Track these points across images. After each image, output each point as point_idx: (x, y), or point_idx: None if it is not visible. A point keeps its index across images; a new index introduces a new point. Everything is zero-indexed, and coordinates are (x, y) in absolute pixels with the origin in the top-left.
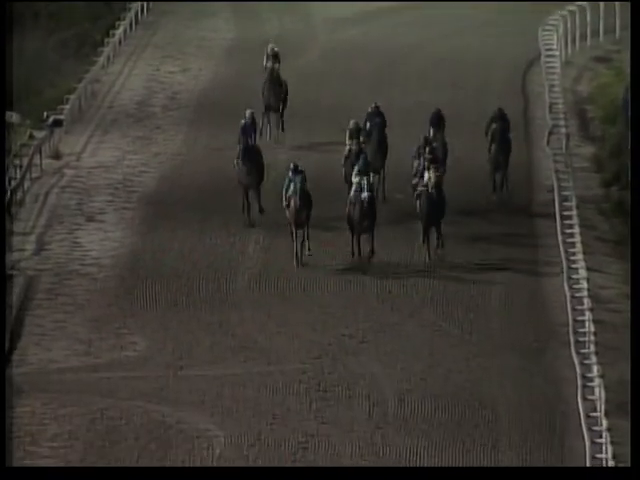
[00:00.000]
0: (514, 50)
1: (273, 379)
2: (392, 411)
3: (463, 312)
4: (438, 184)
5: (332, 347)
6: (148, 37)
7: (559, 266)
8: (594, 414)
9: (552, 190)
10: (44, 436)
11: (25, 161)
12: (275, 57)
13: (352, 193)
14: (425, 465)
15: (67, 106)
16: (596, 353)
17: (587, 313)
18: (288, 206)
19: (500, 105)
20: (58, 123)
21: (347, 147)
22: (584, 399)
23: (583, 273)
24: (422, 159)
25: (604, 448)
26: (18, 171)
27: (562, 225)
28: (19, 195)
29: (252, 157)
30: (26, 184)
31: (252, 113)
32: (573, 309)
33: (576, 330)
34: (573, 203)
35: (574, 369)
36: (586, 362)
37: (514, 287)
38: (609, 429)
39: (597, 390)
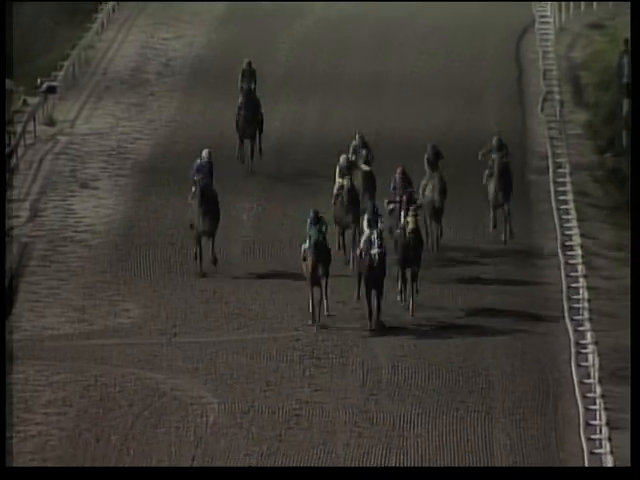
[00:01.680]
0: (508, 17)
1: (267, 346)
2: (386, 378)
3: (457, 280)
4: (415, 229)
5: (326, 314)
6: (142, 4)
7: (553, 233)
8: (588, 381)
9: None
10: (38, 402)
11: (19, 128)
12: (252, 75)
13: (362, 245)
14: (419, 432)
15: (61, 73)
16: (590, 320)
17: (581, 280)
18: (304, 260)
19: (495, 73)
20: (52, 90)
21: (337, 184)
22: (578, 366)
23: (577, 240)
24: (398, 201)
25: (598, 415)
26: (12, 138)
27: (556, 192)
28: (13, 162)
29: (208, 200)
30: (20, 151)
31: (209, 152)
32: (567, 276)
33: (570, 297)
34: (567, 170)
35: (568, 336)
36: (580, 329)
37: (508, 254)
38: (603, 395)
39: (591, 357)
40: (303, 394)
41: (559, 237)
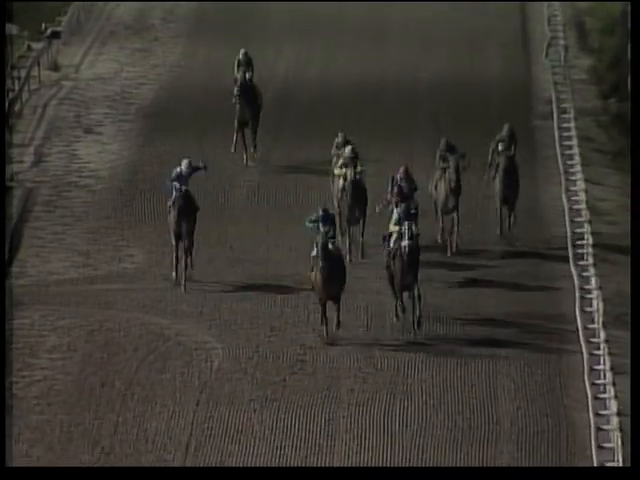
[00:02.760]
0: None
1: (271, 292)
2: (390, 323)
3: (460, 224)
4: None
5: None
6: None
7: (557, 178)
8: (592, 326)
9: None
10: (43, 348)
11: (23, 73)
12: (248, 64)
13: (392, 243)
14: (423, 378)
15: (65, 18)
16: (594, 265)
17: (585, 225)
18: (312, 270)
19: (499, 20)
20: (56, 35)
21: (341, 178)
22: (582, 311)
23: (581, 185)
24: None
25: (602, 360)
26: (16, 83)
27: (560, 137)
28: (17, 107)
29: (186, 208)
30: (24, 96)
31: (189, 162)
32: (572, 221)
33: (574, 242)
34: (571, 115)
35: (572, 281)
36: (584, 274)
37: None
38: (607, 340)
39: (595, 302)
40: (307, 339)
41: (563, 182)
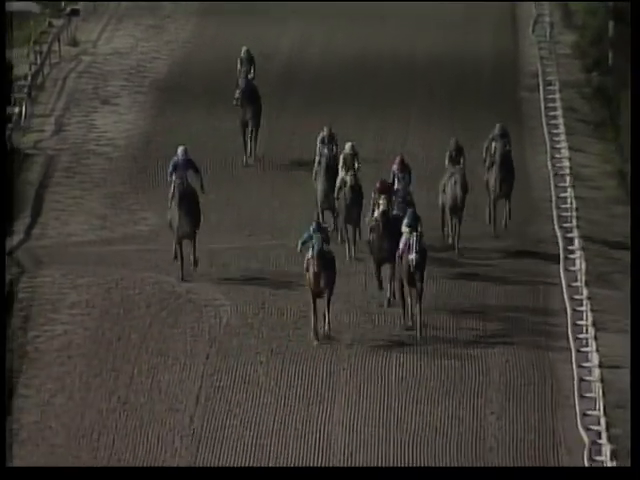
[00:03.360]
0: None
1: (276, 252)
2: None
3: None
4: (385, 212)
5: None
6: None
7: (543, 146)
8: (575, 284)
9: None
10: (64, 304)
11: (45, 48)
12: (250, 62)
13: (401, 247)
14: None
15: None
16: (577, 227)
17: (569, 190)
18: (307, 270)
19: None
20: (75, 12)
21: (340, 177)
22: (566, 270)
23: (565, 153)
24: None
25: (585, 315)
26: (38, 57)
27: (546, 108)
28: (39, 80)
29: (187, 202)
30: (46, 69)
31: (185, 149)
32: (556, 186)
33: (559, 206)
34: (556, 87)
35: (557, 244)
36: (568, 235)
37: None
38: (589, 297)
39: (578, 262)
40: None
41: (549, 150)
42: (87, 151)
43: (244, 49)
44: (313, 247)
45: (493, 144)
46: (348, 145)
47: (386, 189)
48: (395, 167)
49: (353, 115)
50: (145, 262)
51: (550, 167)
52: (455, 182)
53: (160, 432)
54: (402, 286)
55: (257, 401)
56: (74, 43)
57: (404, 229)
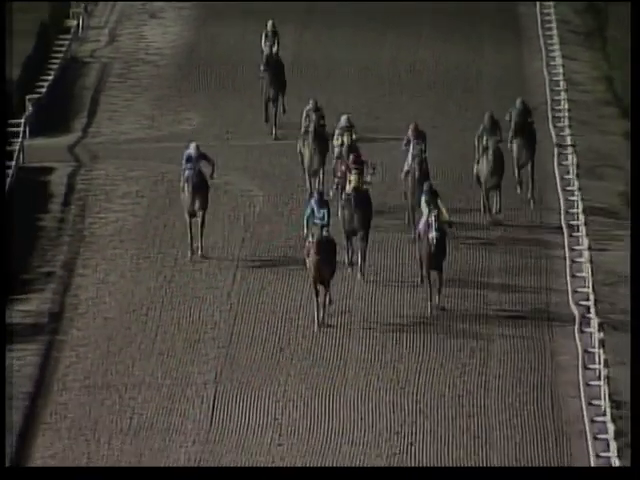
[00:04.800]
0: None
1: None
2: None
3: (459, 91)
4: (357, 188)
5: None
6: None
7: (539, 54)
8: (568, 177)
9: None
10: (116, 194)
11: None
12: (274, 35)
13: (420, 226)
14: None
15: None
16: (570, 127)
17: (562, 93)
18: (307, 256)
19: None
20: None
21: (336, 147)
22: (560, 165)
23: (559, 60)
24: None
25: (576, 204)
26: None
27: (542, 21)
28: None
29: (197, 182)
30: None
31: (197, 145)
32: (551, 90)
33: (553, 107)
34: (551, 2)
35: (551, 140)
36: (561, 134)
37: (500, 66)
38: (580, 188)
39: (570, 157)
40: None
41: (544, 57)
42: (137, 59)
43: (270, 23)
44: (313, 234)
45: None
46: (344, 118)
47: (359, 162)
48: (410, 133)
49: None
50: None
51: (546, 73)
52: (487, 162)
53: (201, 306)
54: (422, 266)
55: (287, 280)
56: None
57: (423, 206)
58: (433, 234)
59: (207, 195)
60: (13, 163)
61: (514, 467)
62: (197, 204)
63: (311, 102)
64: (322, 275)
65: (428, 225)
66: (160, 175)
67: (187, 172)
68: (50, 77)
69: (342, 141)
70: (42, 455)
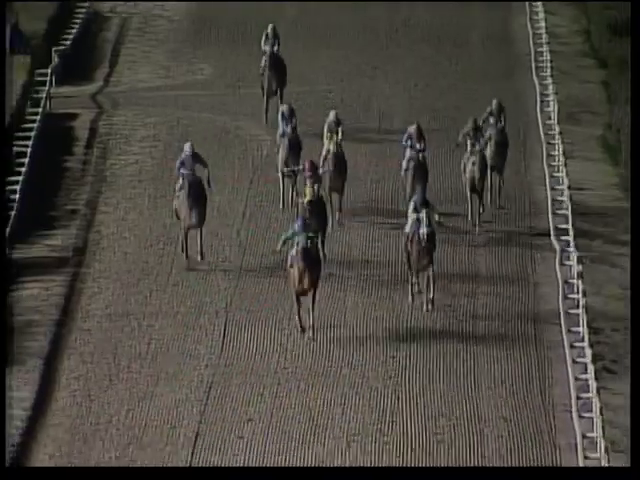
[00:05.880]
0: None
1: (304, 99)
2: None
3: (451, 45)
4: (311, 201)
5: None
6: None
7: (524, 10)
8: (549, 122)
9: None
10: (135, 138)
11: None
12: (275, 37)
13: (408, 228)
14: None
15: None
16: (552, 76)
17: (545, 46)
18: (291, 266)
19: None
20: None
21: (325, 148)
22: (542, 111)
23: (542, 15)
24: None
25: (557, 147)
26: None
27: None
28: None
29: (195, 194)
30: None
31: (191, 145)
32: (534, 43)
33: (537, 59)
34: None
35: (534, 89)
36: (544, 82)
37: (488, 21)
38: (560, 132)
39: (551, 104)
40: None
41: (528, 12)
42: (154, 15)
43: (270, 26)
44: (298, 243)
45: (490, 119)
46: (332, 113)
47: (313, 170)
48: (412, 133)
49: None
50: (201, 104)
51: (529, 27)
52: (474, 163)
53: (213, 242)
54: (410, 265)
55: (293, 217)
56: None
57: (410, 214)
58: (424, 230)
59: (205, 208)
60: (40, 110)
61: (514, 467)
62: (194, 220)
63: (285, 106)
64: (304, 288)
65: (418, 222)
66: (175, 120)
67: (183, 178)
68: (74, 30)
69: (328, 148)
70: (67, 377)
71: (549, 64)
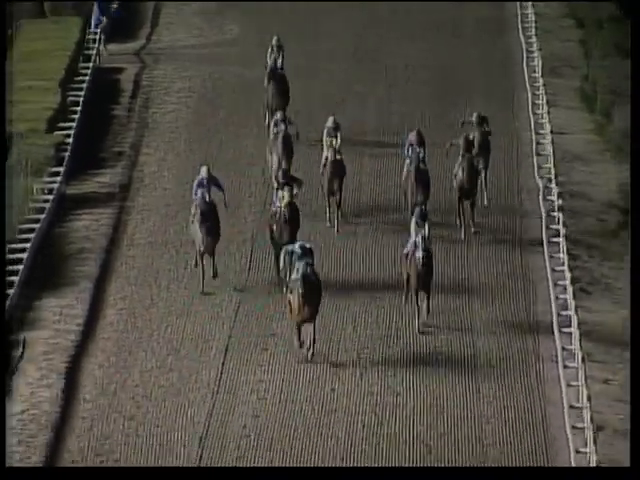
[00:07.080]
0: None
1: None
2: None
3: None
4: (290, 203)
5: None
6: None
7: None
8: (535, 75)
9: None
10: (173, 89)
11: None
12: (280, 49)
13: (408, 247)
14: None
15: None
16: (536, 35)
17: (530, 7)
18: (290, 293)
19: None
20: None
21: (324, 154)
22: (528, 65)
23: None
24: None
25: (541, 97)
26: None
27: None
28: None
29: (208, 219)
30: None
31: (208, 169)
32: (520, 5)
33: (523, 19)
34: None
35: (520, 46)
36: (529, 40)
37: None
38: (544, 84)
39: (536, 59)
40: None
41: None
42: None
43: (275, 37)
44: (297, 270)
45: (475, 120)
46: (331, 119)
47: (288, 179)
48: (412, 139)
49: None
50: (231, 60)
51: (518, 7)
52: (463, 168)
53: (241, 180)
54: (408, 286)
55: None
56: None
57: (411, 232)
58: (420, 254)
59: (218, 235)
60: (91, 65)
61: (514, 467)
62: (208, 248)
63: (279, 113)
64: (304, 317)
65: (415, 245)
66: (208, 74)
67: (198, 203)
68: None
69: (326, 155)
70: (114, 297)
71: (534, 24)
